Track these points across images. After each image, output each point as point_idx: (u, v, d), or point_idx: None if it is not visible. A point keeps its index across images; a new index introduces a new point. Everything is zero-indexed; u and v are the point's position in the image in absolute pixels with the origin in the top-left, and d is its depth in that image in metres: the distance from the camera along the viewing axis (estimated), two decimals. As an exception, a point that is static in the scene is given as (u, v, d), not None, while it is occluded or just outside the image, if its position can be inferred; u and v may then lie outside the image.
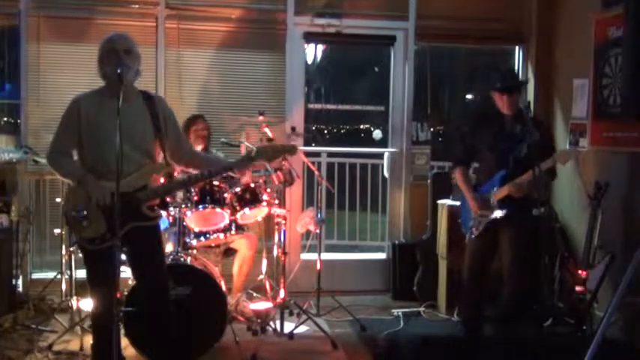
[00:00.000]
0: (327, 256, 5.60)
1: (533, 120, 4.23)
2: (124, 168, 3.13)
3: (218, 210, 4.44)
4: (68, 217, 3.27)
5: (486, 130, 4.34)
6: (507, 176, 4.16)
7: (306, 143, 5.90)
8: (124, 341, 3.71)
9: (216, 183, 4.46)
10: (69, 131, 3.27)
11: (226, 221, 4.53)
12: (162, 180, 3.43)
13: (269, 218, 4.90)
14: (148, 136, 3.30)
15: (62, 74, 5.24)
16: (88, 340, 3.95)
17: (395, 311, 5.13)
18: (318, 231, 5.00)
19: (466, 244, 4.47)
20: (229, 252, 4.86)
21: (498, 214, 4.18)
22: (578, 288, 4.38)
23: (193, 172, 3.49)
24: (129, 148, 3.18)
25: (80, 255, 4.35)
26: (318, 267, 4.97)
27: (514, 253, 4.22)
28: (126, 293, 3.71)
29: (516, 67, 5.94)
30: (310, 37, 5.64)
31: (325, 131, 12.60)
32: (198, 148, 4.90)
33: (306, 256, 5.52)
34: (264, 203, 4.59)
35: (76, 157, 3.34)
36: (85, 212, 3.18)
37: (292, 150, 3.48)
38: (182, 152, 3.50)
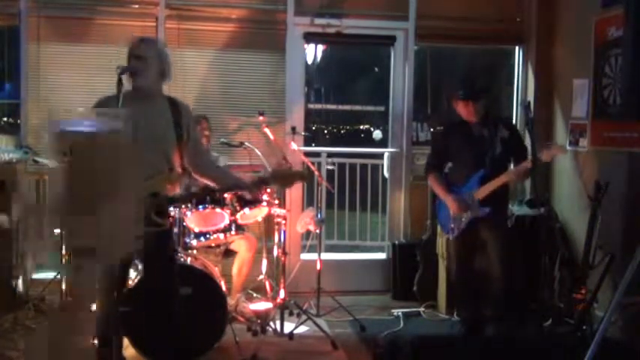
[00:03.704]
0: (327, 256, 5.60)
1: (501, 120, 4.40)
2: (144, 171, 3.17)
3: (218, 210, 4.44)
4: None
5: (456, 138, 4.43)
6: (486, 176, 4.23)
7: (306, 143, 5.90)
8: (124, 341, 3.70)
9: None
10: None
11: (226, 221, 4.53)
12: (177, 190, 3.47)
13: (269, 218, 4.90)
14: (169, 140, 3.35)
15: (62, 74, 5.24)
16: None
17: (395, 311, 5.13)
18: (318, 231, 5.00)
19: (448, 245, 4.56)
20: (229, 253, 4.86)
21: (481, 212, 4.24)
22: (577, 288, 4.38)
23: (207, 183, 3.57)
24: (150, 151, 3.22)
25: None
26: (318, 267, 4.97)
27: (499, 251, 4.29)
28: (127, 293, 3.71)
29: (516, 67, 5.96)
30: (310, 37, 5.64)
31: (325, 131, 12.59)
32: None
33: (306, 256, 5.52)
34: (264, 203, 4.59)
35: None
36: None
37: (307, 177, 3.54)
38: (199, 162, 3.54)
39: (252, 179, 3.52)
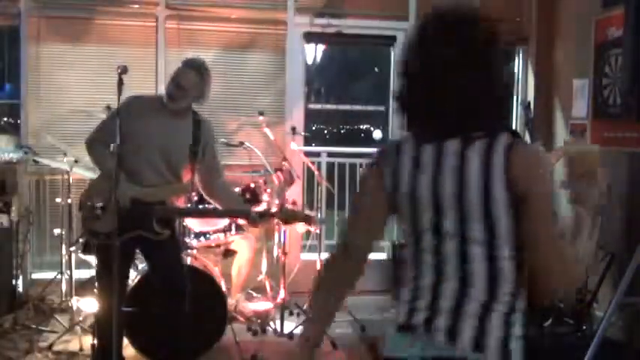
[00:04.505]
0: (327, 256, 5.59)
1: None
2: (151, 178, 3.24)
3: (218, 210, 4.44)
4: (82, 206, 3.33)
5: None
6: None
7: (306, 143, 5.90)
8: (124, 341, 3.70)
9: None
10: (114, 125, 3.31)
11: (226, 221, 4.53)
12: (181, 201, 3.52)
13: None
14: (182, 157, 3.38)
15: (62, 74, 5.23)
16: (88, 340, 3.95)
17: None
18: (318, 231, 4.99)
19: None
20: (229, 253, 4.85)
21: None
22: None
23: (213, 202, 3.62)
24: (160, 161, 3.29)
25: (80, 255, 4.40)
26: (318, 267, 4.97)
27: None
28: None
29: (516, 67, 5.96)
30: (310, 37, 5.64)
31: (325, 131, 12.60)
32: None
33: (306, 256, 5.52)
34: (264, 203, 4.59)
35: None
36: (100, 205, 3.23)
37: (310, 220, 3.61)
38: (209, 182, 3.55)
39: (256, 209, 3.58)
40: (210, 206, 3.75)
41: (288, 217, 3.51)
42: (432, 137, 1.58)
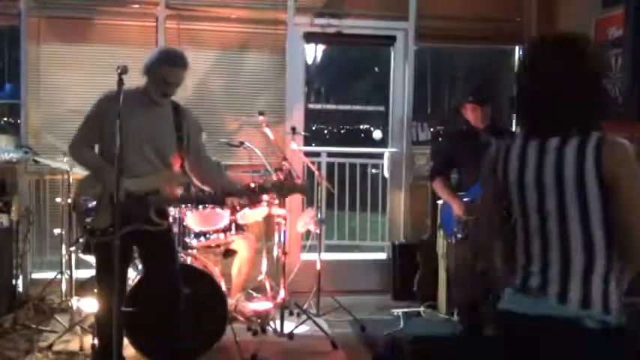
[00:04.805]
0: (327, 256, 5.59)
1: (507, 130, 4.43)
2: (142, 169, 3.24)
3: (218, 210, 4.44)
4: (77, 205, 3.33)
5: (463, 146, 4.42)
6: None
7: (306, 143, 5.90)
8: (124, 341, 3.70)
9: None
10: (95, 125, 3.32)
11: (226, 221, 4.53)
12: (178, 190, 3.52)
13: (269, 218, 4.90)
14: (170, 145, 3.41)
15: (62, 74, 5.23)
16: (88, 340, 3.96)
17: (395, 311, 5.13)
18: (318, 231, 5.00)
19: (451, 248, 4.54)
20: (229, 253, 4.85)
21: None
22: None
23: (206, 187, 3.64)
24: (149, 151, 3.30)
25: (80, 255, 4.40)
26: (318, 267, 4.97)
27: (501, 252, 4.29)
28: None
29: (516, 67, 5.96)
30: (310, 37, 5.64)
31: (325, 131, 12.59)
32: None
33: (306, 256, 5.52)
34: (264, 203, 4.59)
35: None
36: (94, 202, 3.23)
37: (305, 190, 3.67)
38: (200, 167, 3.58)
39: (251, 186, 3.55)
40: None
41: (283, 190, 3.55)
42: (537, 136, 1.94)
